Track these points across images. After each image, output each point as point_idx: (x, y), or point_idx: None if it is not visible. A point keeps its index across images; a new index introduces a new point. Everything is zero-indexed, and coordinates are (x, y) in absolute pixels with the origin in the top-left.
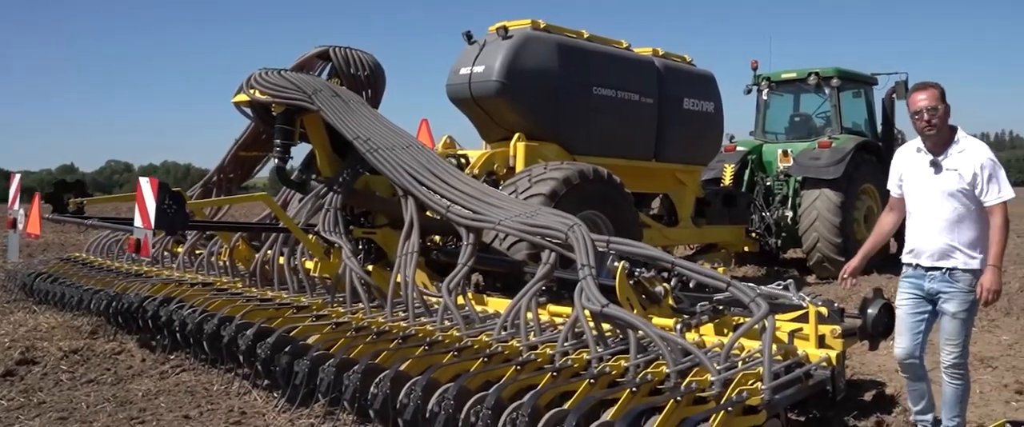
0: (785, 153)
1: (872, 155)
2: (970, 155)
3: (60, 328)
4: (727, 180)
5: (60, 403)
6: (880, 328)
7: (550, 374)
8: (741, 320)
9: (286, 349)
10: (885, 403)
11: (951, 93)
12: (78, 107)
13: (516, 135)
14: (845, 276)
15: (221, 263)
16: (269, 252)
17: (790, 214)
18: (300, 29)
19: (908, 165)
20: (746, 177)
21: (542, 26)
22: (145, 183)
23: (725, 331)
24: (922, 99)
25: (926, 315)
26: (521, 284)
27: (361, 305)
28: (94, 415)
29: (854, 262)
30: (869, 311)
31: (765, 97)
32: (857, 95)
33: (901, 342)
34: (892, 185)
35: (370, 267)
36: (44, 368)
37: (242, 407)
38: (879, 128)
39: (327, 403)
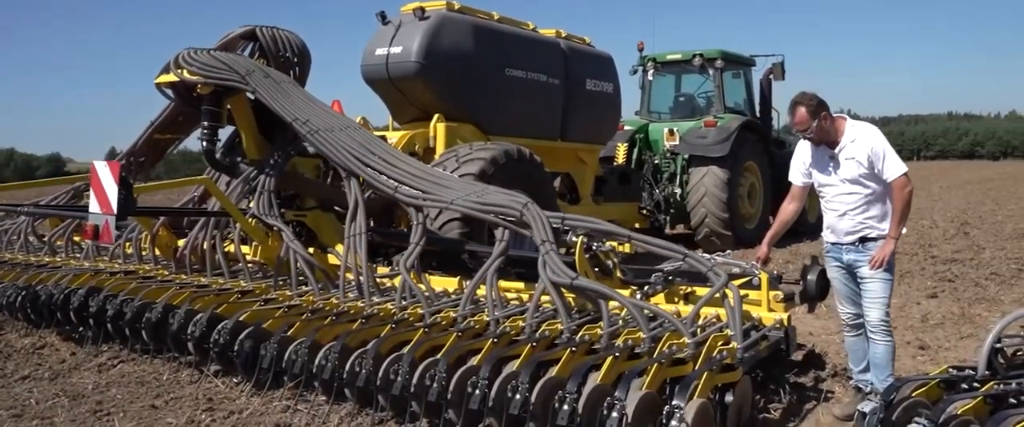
0: (671, 132)
1: (754, 134)
2: (862, 142)
3: None
4: (620, 159)
5: (4, 402)
6: (816, 292)
7: (529, 345)
8: (687, 289)
9: (246, 335)
10: (816, 360)
11: (805, 73)
12: None
13: (435, 116)
14: (757, 262)
15: (142, 250)
16: (199, 237)
17: (678, 191)
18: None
19: (811, 158)
20: (634, 156)
21: (457, 7)
22: (103, 167)
23: (675, 300)
24: (795, 123)
25: (855, 282)
26: (457, 262)
27: (307, 287)
28: (50, 411)
29: (763, 250)
30: (809, 277)
31: (650, 77)
32: (737, 76)
33: (845, 306)
34: (795, 175)
35: (310, 250)
36: None
37: (206, 394)
38: (757, 108)
39: (297, 385)
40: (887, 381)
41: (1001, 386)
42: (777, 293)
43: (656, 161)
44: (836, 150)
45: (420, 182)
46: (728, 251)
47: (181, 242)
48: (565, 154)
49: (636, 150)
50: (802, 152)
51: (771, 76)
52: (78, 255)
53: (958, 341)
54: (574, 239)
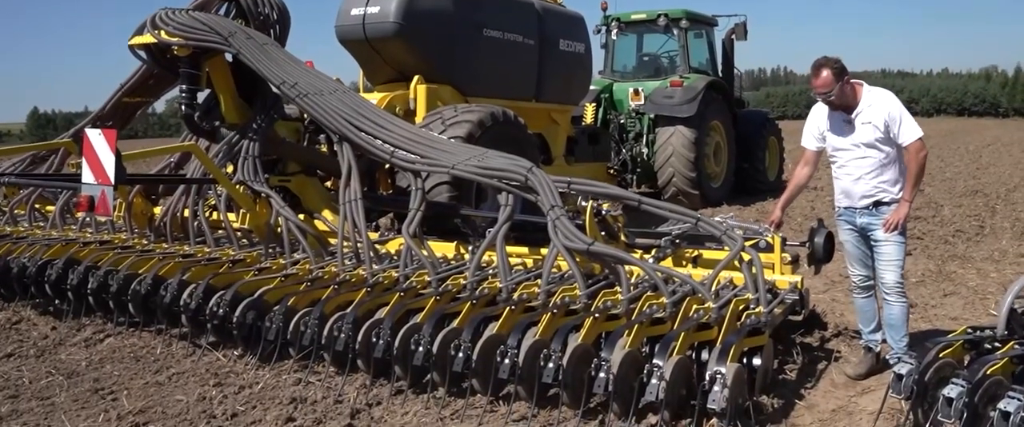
0: (636, 92)
1: (719, 93)
2: (878, 107)
3: None
4: (588, 119)
5: None
6: (823, 255)
7: (550, 312)
8: (694, 253)
9: (247, 305)
10: (818, 321)
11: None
12: None
13: (415, 78)
14: (770, 225)
15: (116, 219)
16: (180, 205)
17: (645, 150)
18: None
19: (826, 122)
20: (599, 115)
21: None
22: (97, 135)
23: (683, 263)
24: (818, 85)
25: (867, 245)
26: (446, 227)
27: (300, 255)
28: (48, 390)
29: (777, 214)
30: (816, 239)
31: (614, 37)
32: (700, 36)
33: (856, 269)
34: (809, 140)
35: (301, 217)
36: None
37: (209, 368)
38: (720, 67)
39: (306, 357)
40: (903, 341)
41: None
42: (785, 255)
43: (621, 121)
44: (853, 115)
45: (416, 146)
46: (732, 213)
47: (157, 210)
48: (539, 115)
49: (602, 110)
50: (817, 117)
51: (733, 36)
52: (43, 225)
53: (942, 299)
54: (583, 204)
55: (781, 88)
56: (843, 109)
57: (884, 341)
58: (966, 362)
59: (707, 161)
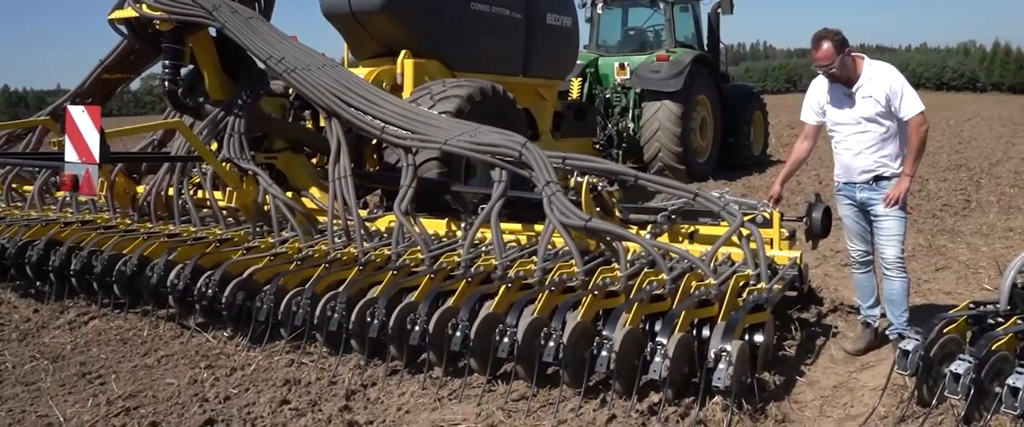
0: (622, 66)
1: (705, 68)
2: (880, 81)
3: None
4: (574, 93)
5: None
6: (821, 230)
7: (547, 291)
8: (690, 228)
9: (236, 285)
10: (813, 296)
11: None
12: None
13: (402, 52)
14: (769, 200)
15: (97, 199)
16: (164, 183)
17: (632, 125)
18: None
19: (827, 95)
20: (585, 90)
21: None
22: (80, 112)
23: (680, 238)
24: (818, 57)
25: (867, 220)
26: (436, 203)
27: (290, 234)
28: (33, 375)
29: (776, 189)
30: (813, 214)
31: (599, 11)
32: (685, 9)
33: (855, 244)
34: (808, 114)
35: (289, 194)
36: None
37: (198, 350)
38: (705, 41)
39: (298, 337)
40: (903, 316)
41: None
42: (783, 230)
43: (607, 95)
44: (853, 88)
45: (407, 122)
46: (727, 189)
47: (140, 189)
48: (526, 90)
49: (587, 84)
50: (817, 91)
51: (719, 10)
52: (21, 205)
53: (935, 273)
54: (579, 180)
55: (761, 63)
56: (844, 82)
57: (882, 316)
58: (970, 338)
59: (693, 136)
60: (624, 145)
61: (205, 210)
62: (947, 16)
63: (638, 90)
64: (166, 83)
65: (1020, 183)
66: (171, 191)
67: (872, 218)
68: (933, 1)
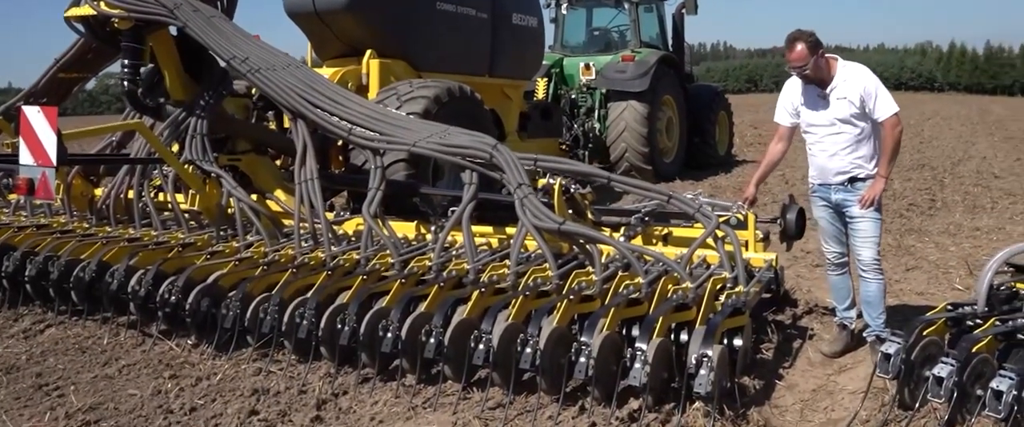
0: (587, 66)
1: (671, 68)
2: (854, 82)
3: None
4: (540, 94)
5: None
6: (795, 231)
7: (522, 295)
8: (663, 230)
9: (200, 291)
10: (788, 298)
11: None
12: None
13: (367, 52)
14: (744, 202)
15: (53, 202)
16: (123, 185)
17: (598, 126)
18: None
19: (801, 97)
20: (550, 90)
21: None
22: (35, 113)
23: (653, 241)
24: (792, 59)
25: (842, 222)
26: (405, 206)
27: (254, 238)
28: None
29: (751, 190)
30: (788, 216)
31: (564, 11)
32: (649, 10)
33: (831, 245)
34: (782, 115)
35: (254, 197)
36: None
37: (161, 359)
38: (670, 42)
39: (266, 345)
40: (880, 318)
41: (1010, 323)
42: (757, 233)
43: (573, 96)
44: (827, 90)
45: (375, 123)
46: (700, 191)
47: (98, 192)
48: (492, 90)
49: (552, 85)
50: (790, 92)
51: (683, 11)
52: None
53: (905, 273)
54: (551, 182)
55: (722, 63)
56: (818, 83)
57: (859, 317)
58: (948, 340)
59: (660, 136)
60: (590, 145)
61: (166, 213)
62: (904, 16)
63: (604, 90)
64: (125, 83)
65: (983, 182)
66: (131, 194)
67: (847, 220)
68: (890, 2)
